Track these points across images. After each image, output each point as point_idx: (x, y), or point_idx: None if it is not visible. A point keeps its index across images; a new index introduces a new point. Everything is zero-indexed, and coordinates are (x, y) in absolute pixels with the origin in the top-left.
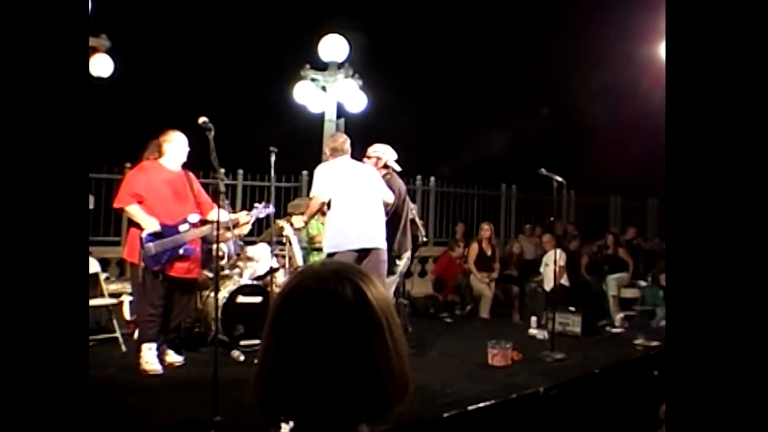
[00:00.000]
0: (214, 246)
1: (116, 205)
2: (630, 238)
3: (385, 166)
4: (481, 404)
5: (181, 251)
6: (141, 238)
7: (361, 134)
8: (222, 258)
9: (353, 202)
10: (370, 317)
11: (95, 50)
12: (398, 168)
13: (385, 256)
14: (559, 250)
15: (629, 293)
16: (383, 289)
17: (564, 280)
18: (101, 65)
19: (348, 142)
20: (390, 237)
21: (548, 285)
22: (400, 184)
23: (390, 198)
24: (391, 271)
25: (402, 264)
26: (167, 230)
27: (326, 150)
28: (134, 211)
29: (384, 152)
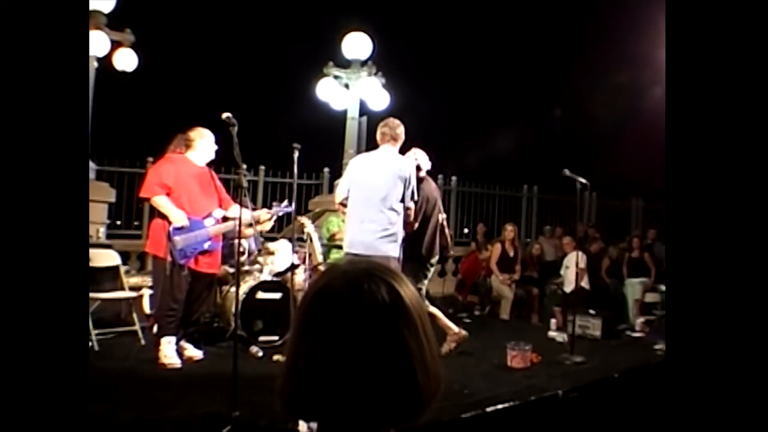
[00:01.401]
0: (236, 241)
1: (143, 194)
2: (650, 241)
3: (419, 169)
4: (500, 406)
5: (206, 246)
6: (168, 232)
7: None
8: (243, 254)
9: (357, 203)
10: (405, 317)
11: (119, 45)
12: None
13: (392, 263)
14: (579, 253)
15: (650, 297)
16: (414, 288)
17: (584, 283)
18: (125, 60)
19: (394, 130)
20: (419, 241)
21: (568, 287)
22: (431, 189)
23: (411, 204)
24: (424, 275)
25: (431, 271)
26: (194, 224)
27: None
28: (163, 202)
29: (420, 157)
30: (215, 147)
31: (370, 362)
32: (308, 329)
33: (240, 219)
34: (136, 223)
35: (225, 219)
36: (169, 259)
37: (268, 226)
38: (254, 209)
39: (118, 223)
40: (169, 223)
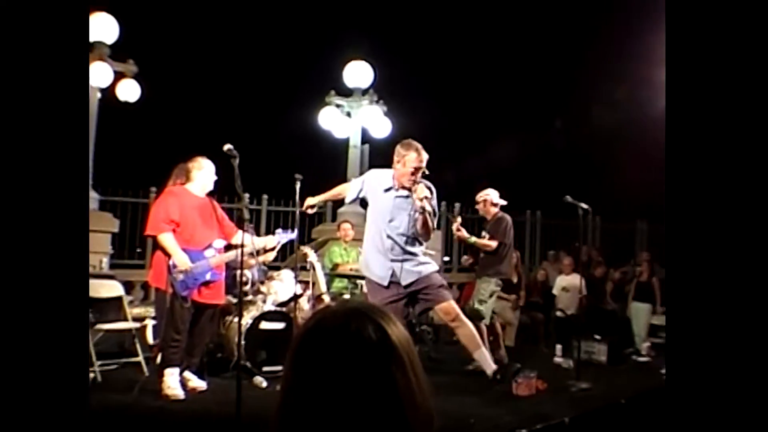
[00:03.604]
0: (238, 272)
1: (150, 231)
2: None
3: (494, 205)
4: None
5: (207, 276)
6: (168, 265)
7: (386, 160)
8: (246, 284)
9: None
10: (393, 355)
11: (123, 75)
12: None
13: (371, 286)
14: (578, 276)
15: (657, 320)
16: (402, 327)
17: (574, 309)
18: (128, 90)
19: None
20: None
21: (567, 310)
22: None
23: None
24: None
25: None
26: (195, 255)
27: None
28: (168, 241)
29: (489, 193)
30: (214, 177)
31: (359, 400)
32: (298, 367)
33: (242, 249)
34: (138, 251)
35: (229, 247)
36: (170, 291)
37: (270, 256)
38: (258, 238)
39: (138, 250)
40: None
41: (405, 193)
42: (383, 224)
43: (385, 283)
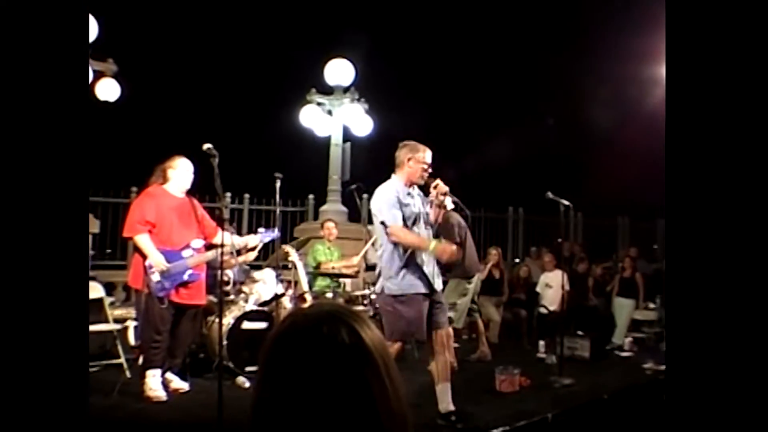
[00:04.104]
0: (219, 271)
1: (126, 233)
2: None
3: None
4: None
5: (185, 277)
6: (145, 266)
7: (367, 158)
8: (227, 284)
9: None
10: (367, 359)
11: (102, 75)
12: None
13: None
14: (560, 272)
15: (639, 315)
16: (377, 330)
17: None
18: (108, 90)
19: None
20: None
21: (551, 306)
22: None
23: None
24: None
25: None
26: (172, 256)
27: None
28: (144, 242)
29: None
30: (191, 177)
31: (332, 405)
32: (271, 371)
33: (222, 248)
34: (109, 251)
35: (211, 246)
36: (146, 291)
37: (252, 256)
38: (240, 237)
39: (108, 251)
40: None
41: (417, 191)
42: (422, 231)
43: (428, 291)
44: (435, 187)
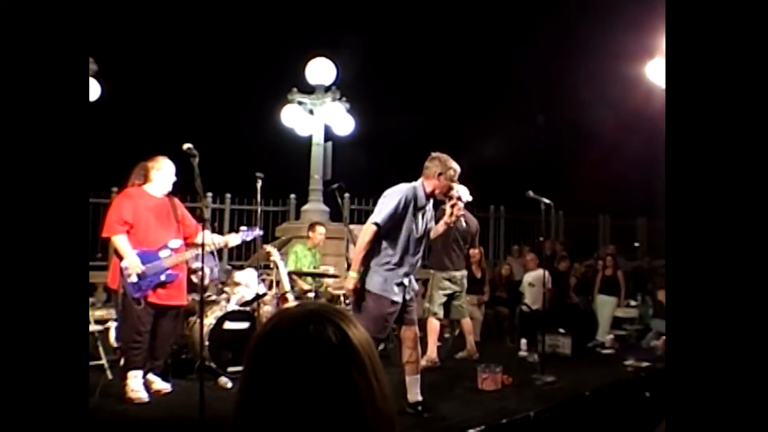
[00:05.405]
0: (198, 272)
1: (105, 234)
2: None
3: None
4: (472, 430)
5: (162, 277)
6: (120, 267)
7: (349, 157)
8: (203, 277)
9: None
10: (353, 358)
11: None
12: None
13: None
14: (542, 271)
15: (620, 312)
16: (363, 329)
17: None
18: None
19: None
20: None
21: (534, 305)
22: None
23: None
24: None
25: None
26: (147, 257)
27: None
28: (121, 243)
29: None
30: (173, 178)
31: (318, 403)
32: (256, 370)
33: (203, 248)
34: (98, 255)
35: (193, 245)
36: (121, 291)
37: (233, 242)
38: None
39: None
40: None
41: (425, 202)
42: (420, 237)
43: (400, 299)
44: (453, 206)
